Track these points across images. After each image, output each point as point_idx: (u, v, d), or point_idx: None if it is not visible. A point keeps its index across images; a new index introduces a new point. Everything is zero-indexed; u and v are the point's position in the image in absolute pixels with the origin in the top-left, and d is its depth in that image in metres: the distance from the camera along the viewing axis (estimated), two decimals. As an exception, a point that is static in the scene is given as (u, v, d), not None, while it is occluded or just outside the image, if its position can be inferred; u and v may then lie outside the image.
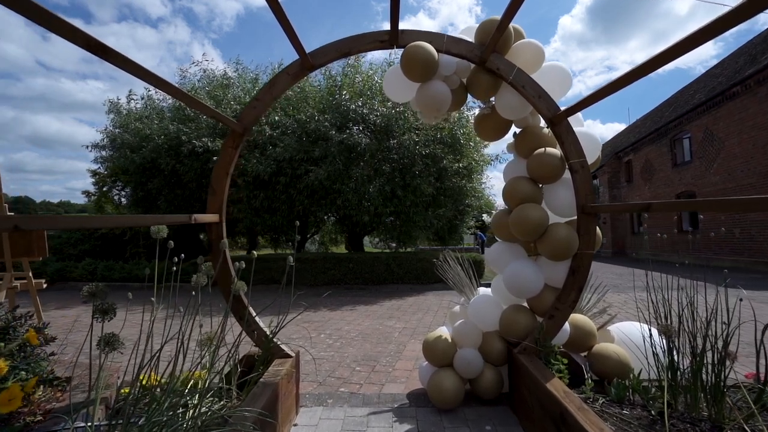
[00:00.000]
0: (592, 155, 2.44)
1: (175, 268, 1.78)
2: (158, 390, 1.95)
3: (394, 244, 11.39)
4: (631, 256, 19.40)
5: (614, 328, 2.68)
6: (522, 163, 2.62)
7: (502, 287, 2.66)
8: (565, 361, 2.30)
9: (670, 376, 1.96)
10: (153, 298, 1.81)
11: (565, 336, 2.47)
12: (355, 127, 8.42)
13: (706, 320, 1.98)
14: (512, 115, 2.51)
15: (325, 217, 11.07)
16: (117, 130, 10.88)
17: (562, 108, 2.30)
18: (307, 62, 2.32)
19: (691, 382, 1.95)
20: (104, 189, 12.33)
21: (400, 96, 2.57)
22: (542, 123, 2.74)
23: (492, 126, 2.70)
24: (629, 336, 2.51)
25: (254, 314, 2.44)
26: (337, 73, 9.88)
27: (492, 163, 11.15)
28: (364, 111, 8.47)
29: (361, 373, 3.18)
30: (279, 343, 2.41)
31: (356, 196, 8.45)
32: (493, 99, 2.62)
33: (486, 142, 10.80)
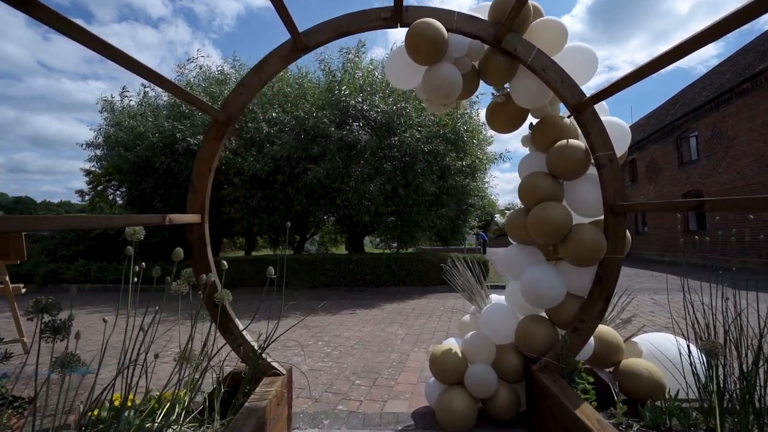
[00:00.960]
0: (621, 147, 2.17)
1: (136, 279, 1.52)
2: (130, 413, 1.69)
3: (395, 245, 11.13)
4: (635, 256, 19.11)
5: (642, 340, 2.41)
6: (540, 158, 2.35)
7: (517, 295, 2.39)
8: (591, 379, 2.04)
9: (715, 398, 1.70)
10: (103, 318, 1.55)
11: (590, 350, 2.21)
12: (355, 124, 8.15)
13: (759, 333, 1.71)
14: (530, 102, 2.24)
15: (325, 217, 10.81)
16: (111, 129, 10.62)
17: (587, 94, 2.04)
18: (300, 42, 2.05)
19: (739, 406, 1.68)
20: (99, 188, 12.05)
21: (404, 81, 2.30)
22: (562, 112, 2.48)
23: (506, 116, 2.43)
24: (660, 349, 2.24)
25: (241, 327, 2.17)
26: (336, 69, 9.60)
27: (495, 161, 10.88)
28: (365, 107, 8.20)
29: (361, 388, 2.91)
30: (269, 359, 2.15)
31: (356, 195, 8.18)
32: (507, 85, 2.35)
33: (490, 140, 10.54)
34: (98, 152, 11.33)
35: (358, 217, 8.74)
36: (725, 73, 14.26)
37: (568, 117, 2.37)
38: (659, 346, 2.29)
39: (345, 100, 8.32)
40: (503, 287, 8.87)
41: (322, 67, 9.56)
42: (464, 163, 8.84)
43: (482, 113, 11.16)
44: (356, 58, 9.59)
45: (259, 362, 2.11)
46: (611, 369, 2.30)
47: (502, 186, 53.78)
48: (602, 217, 2.21)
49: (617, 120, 2.21)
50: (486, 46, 2.16)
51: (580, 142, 2.14)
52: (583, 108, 2.04)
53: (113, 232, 11.63)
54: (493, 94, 2.38)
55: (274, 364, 2.14)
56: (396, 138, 8.28)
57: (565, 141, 2.16)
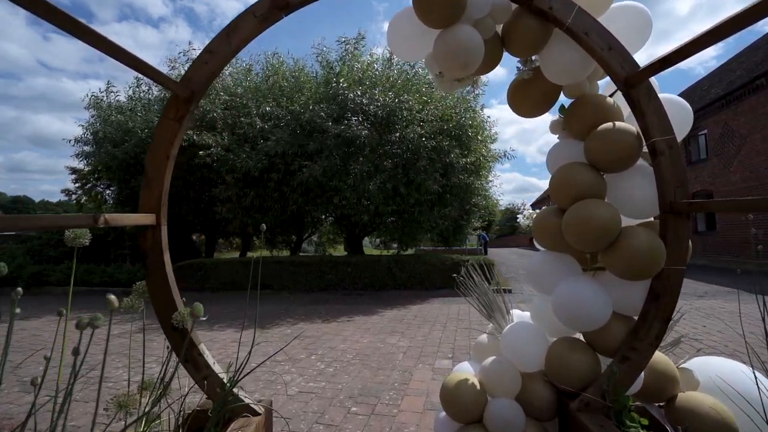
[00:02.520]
0: (681, 131, 1.76)
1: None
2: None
3: (395, 245, 10.72)
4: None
5: (695, 367, 1.99)
6: (574, 146, 1.94)
7: (547, 313, 1.97)
8: (645, 421, 1.62)
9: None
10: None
11: (639, 382, 1.79)
12: (353, 118, 7.71)
13: None
14: (566, 77, 1.82)
15: (323, 217, 10.38)
16: (99, 125, 10.19)
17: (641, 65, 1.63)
18: (280, -2, 1.63)
19: None
20: (87, 187, 11.59)
21: (410, 51, 1.88)
22: (601, 90, 2.07)
23: (533, 95, 2.01)
24: (725, 379, 1.82)
25: (207, 354, 1.74)
26: (334, 60, 9.14)
27: (500, 159, 10.46)
28: (364, 101, 7.77)
29: (357, 417, 2.49)
30: (242, 395, 1.72)
31: (355, 194, 7.76)
32: (535, 57, 1.93)
33: (494, 137, 10.13)
34: (87, 148, 10.89)
35: (356, 217, 8.32)
36: (735, 70, 13.86)
37: (610, 95, 1.95)
38: (720, 374, 1.87)
39: (343, 94, 7.89)
40: (509, 291, 8.33)
41: (320, 59, 9.13)
42: (468, 160, 8.41)
43: (486, 110, 10.71)
44: (355, 51, 9.15)
45: (229, 399, 1.69)
46: (661, 405, 1.89)
47: (507, 186, 53.26)
48: (651, 218, 1.82)
49: (674, 97, 1.80)
50: (513, 5, 1.74)
51: (630, 125, 1.72)
52: (636, 81, 1.62)
53: (102, 231, 11.19)
54: (518, 68, 1.96)
55: (249, 402, 1.71)
56: (397, 134, 7.84)
57: (610, 123, 1.74)
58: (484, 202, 10.34)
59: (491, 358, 1.98)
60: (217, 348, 4.32)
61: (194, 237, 14.71)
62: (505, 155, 10.85)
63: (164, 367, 1.64)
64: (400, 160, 7.81)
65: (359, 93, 7.84)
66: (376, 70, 8.73)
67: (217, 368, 1.76)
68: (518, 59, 1.98)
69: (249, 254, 14.46)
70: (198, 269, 9.21)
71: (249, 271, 9.05)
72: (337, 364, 3.64)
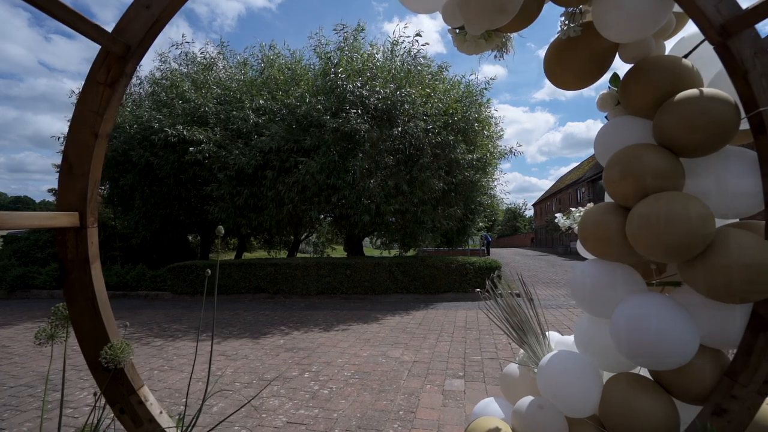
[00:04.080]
0: (795, 99, 1.30)
1: None
2: None
3: (397, 245, 10.27)
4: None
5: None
6: (635, 124, 1.50)
7: (598, 341, 1.53)
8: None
9: None
10: None
11: (730, 438, 1.34)
12: (352, 111, 7.24)
13: None
14: (630, 31, 1.37)
15: (321, 217, 9.93)
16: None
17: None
18: None
19: None
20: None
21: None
22: (668, 50, 1.62)
23: (579, 60, 1.56)
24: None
25: (150, 401, 1.29)
26: (332, 51, 8.67)
27: (506, 156, 10.00)
28: (363, 92, 7.30)
29: (355, 462, 2.03)
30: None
31: (354, 192, 7.31)
32: (583, 8, 1.49)
33: (500, 134, 9.67)
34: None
35: (356, 217, 7.87)
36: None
37: (684, 57, 1.50)
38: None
39: (341, 85, 7.42)
40: (518, 296, 7.86)
41: (317, 50, 8.65)
42: (475, 156, 7.95)
43: (491, 108, 10.28)
44: (354, 42, 8.68)
45: (179, 463, 1.24)
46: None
47: (512, 185, 52.42)
48: (737, 219, 1.39)
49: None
50: (564, -71, 1.29)
51: (723, 92, 1.27)
52: (737, 29, 1.18)
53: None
54: (563, 23, 1.51)
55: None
56: (399, 128, 7.38)
57: (695, 90, 1.29)
58: (489, 201, 9.90)
59: (527, 399, 1.53)
60: (201, 363, 3.87)
61: (190, 238, 14.26)
62: (511, 151, 10.40)
63: (93, 415, 1.21)
64: (402, 156, 7.37)
65: (359, 84, 7.37)
66: (377, 60, 8.27)
67: (164, 420, 1.31)
68: (562, 12, 1.53)
69: (246, 255, 14.01)
70: (189, 272, 8.76)
71: (244, 274, 8.61)
72: (333, 384, 3.20)
